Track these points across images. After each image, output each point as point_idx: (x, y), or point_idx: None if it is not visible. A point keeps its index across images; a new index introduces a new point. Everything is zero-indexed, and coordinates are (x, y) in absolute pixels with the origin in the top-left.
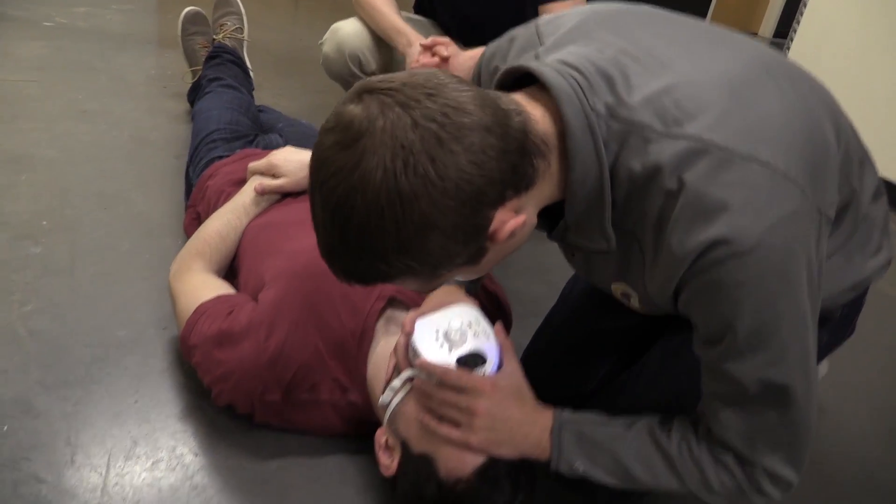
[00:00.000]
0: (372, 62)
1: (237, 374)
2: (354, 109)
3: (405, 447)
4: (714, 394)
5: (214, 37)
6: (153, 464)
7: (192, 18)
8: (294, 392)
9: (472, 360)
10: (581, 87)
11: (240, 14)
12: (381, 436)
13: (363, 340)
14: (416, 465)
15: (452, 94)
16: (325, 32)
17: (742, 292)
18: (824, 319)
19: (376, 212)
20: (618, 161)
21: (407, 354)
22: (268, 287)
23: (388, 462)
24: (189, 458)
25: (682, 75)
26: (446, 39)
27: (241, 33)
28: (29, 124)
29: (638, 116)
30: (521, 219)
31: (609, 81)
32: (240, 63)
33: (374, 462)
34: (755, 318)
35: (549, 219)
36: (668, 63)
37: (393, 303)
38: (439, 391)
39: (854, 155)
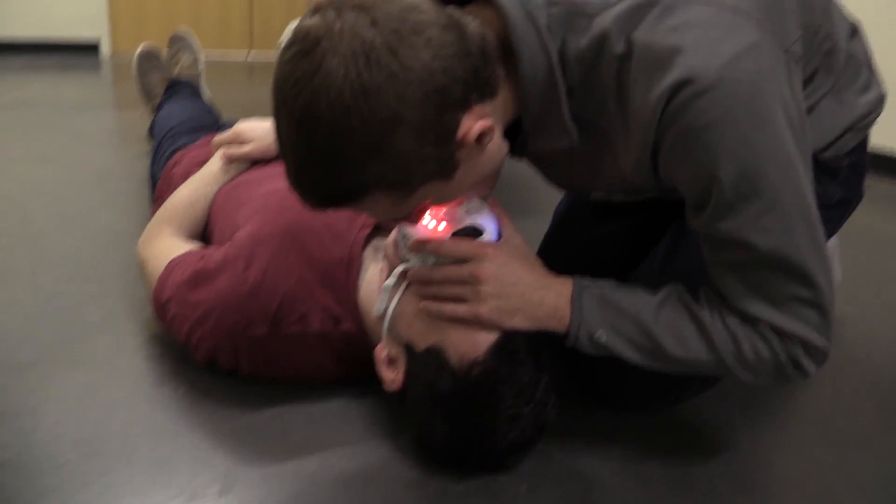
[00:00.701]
0: None
1: (217, 310)
2: (311, 21)
3: (409, 350)
4: (723, 265)
5: (170, 75)
6: (129, 424)
7: (147, 56)
8: (282, 324)
9: (468, 234)
10: None
11: (193, 48)
12: (380, 351)
13: (351, 268)
14: (425, 362)
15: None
16: None
17: (715, 134)
18: (833, 172)
19: (342, 111)
20: (565, 46)
21: (397, 250)
22: (243, 227)
23: (393, 375)
24: (171, 417)
25: None
26: None
27: (197, 67)
28: None
29: None
30: (488, 121)
31: None
32: (198, 94)
33: (380, 401)
34: (736, 162)
35: (513, 140)
36: None
37: (379, 231)
38: (438, 271)
39: None
